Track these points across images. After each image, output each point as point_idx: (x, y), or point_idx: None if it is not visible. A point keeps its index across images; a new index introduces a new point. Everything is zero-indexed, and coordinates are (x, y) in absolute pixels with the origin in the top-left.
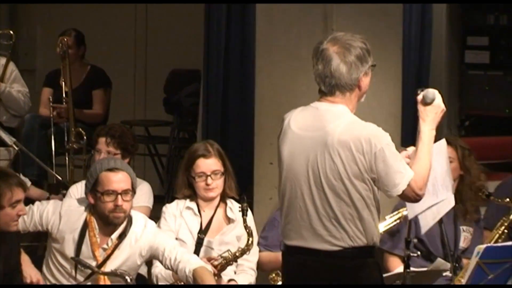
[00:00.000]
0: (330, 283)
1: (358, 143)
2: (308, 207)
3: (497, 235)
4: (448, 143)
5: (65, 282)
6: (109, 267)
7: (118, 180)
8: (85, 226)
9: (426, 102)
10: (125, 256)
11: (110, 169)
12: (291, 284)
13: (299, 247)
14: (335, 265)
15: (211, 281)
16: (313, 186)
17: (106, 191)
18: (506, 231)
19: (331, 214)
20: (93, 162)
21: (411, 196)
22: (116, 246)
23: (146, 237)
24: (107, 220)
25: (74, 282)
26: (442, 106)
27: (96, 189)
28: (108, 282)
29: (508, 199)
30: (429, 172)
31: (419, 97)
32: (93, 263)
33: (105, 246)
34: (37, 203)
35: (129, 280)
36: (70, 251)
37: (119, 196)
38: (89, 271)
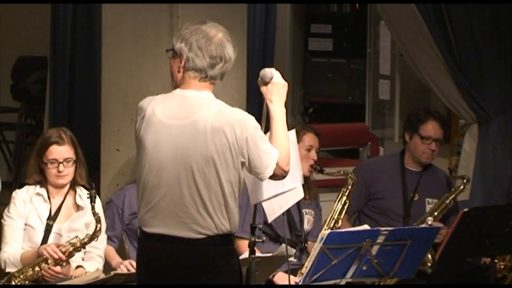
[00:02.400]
0: (190, 271)
1: (231, 128)
2: (173, 195)
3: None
4: (312, 131)
5: None
6: None
7: None
8: None
9: (266, 82)
10: None
11: None
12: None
13: (160, 235)
14: (198, 253)
15: None
16: (182, 175)
17: None
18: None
19: (199, 202)
20: None
21: (279, 173)
22: None
23: None
24: None
25: None
26: (283, 81)
27: None
28: None
29: (341, 171)
30: (289, 145)
31: (259, 80)
32: None
33: None
34: None
35: None
36: None
37: None
38: None
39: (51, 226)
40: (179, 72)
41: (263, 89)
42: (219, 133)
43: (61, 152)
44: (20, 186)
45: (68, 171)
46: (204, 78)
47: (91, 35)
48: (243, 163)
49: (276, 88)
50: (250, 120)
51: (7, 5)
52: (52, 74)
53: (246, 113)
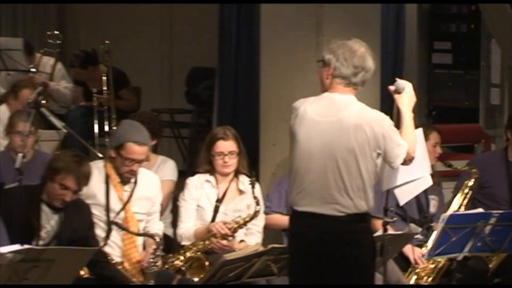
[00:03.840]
0: (332, 243)
1: (371, 126)
2: (320, 180)
3: (463, 196)
4: (436, 130)
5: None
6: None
7: (141, 153)
8: (107, 177)
9: (399, 92)
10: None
11: (138, 143)
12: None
13: (309, 212)
14: (339, 228)
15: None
16: (328, 164)
17: (130, 159)
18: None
19: (342, 186)
20: None
21: (407, 159)
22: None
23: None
24: (121, 176)
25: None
26: (413, 92)
27: (119, 151)
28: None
29: (467, 167)
30: (415, 138)
31: (392, 88)
32: (120, 204)
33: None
34: None
35: (157, 239)
36: (101, 200)
37: (136, 164)
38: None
39: (218, 207)
40: (327, 78)
41: (396, 96)
42: (360, 130)
43: (226, 146)
44: (193, 174)
45: (232, 162)
46: (348, 84)
47: (252, 50)
48: (378, 154)
49: (407, 96)
50: (386, 119)
51: (183, 25)
52: (219, 82)
53: (383, 113)
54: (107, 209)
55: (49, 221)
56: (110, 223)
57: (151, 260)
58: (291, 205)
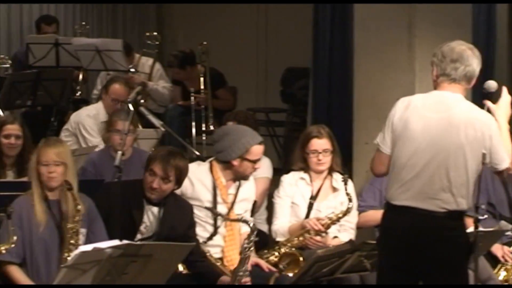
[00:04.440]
0: (428, 239)
1: (479, 125)
2: (424, 175)
3: None
4: None
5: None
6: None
7: (262, 150)
8: (214, 180)
9: (490, 92)
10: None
11: (260, 143)
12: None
13: (407, 207)
14: (436, 224)
15: None
16: (434, 159)
17: (256, 160)
18: None
19: (446, 182)
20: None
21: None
22: (236, 194)
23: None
24: (243, 178)
25: (208, 227)
26: (509, 101)
27: (244, 157)
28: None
29: None
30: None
31: (484, 88)
32: (224, 208)
33: (231, 191)
34: None
35: (251, 225)
36: (207, 202)
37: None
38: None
39: (312, 204)
40: (435, 79)
41: (492, 106)
42: (470, 127)
43: (321, 144)
44: (287, 171)
45: (326, 160)
46: (452, 81)
47: (345, 50)
48: (484, 155)
49: (503, 107)
50: (493, 120)
51: (278, 26)
52: (314, 82)
53: (489, 114)
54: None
55: (149, 217)
56: (215, 226)
57: (245, 245)
58: (388, 199)
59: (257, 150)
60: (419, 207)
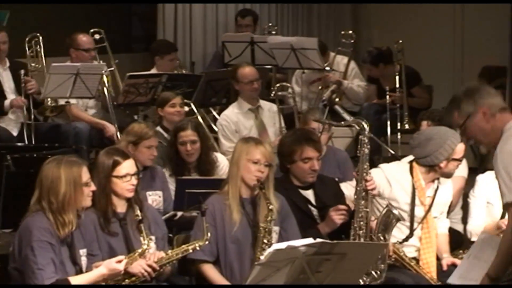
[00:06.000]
0: None
1: None
2: None
3: None
4: None
5: None
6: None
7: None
8: (413, 183)
9: None
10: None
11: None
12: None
13: None
14: None
15: None
16: None
17: (461, 158)
18: None
19: None
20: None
21: None
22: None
23: None
24: (447, 176)
25: (404, 229)
26: None
27: (452, 157)
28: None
29: None
30: None
31: None
32: (422, 210)
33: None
34: None
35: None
36: (404, 204)
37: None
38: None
39: None
40: None
41: None
42: None
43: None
44: (483, 171)
45: None
46: None
47: None
48: None
49: None
50: None
51: (475, 25)
52: (510, 81)
53: None
54: (412, 214)
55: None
56: (411, 229)
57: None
58: None
59: (461, 148)
60: None
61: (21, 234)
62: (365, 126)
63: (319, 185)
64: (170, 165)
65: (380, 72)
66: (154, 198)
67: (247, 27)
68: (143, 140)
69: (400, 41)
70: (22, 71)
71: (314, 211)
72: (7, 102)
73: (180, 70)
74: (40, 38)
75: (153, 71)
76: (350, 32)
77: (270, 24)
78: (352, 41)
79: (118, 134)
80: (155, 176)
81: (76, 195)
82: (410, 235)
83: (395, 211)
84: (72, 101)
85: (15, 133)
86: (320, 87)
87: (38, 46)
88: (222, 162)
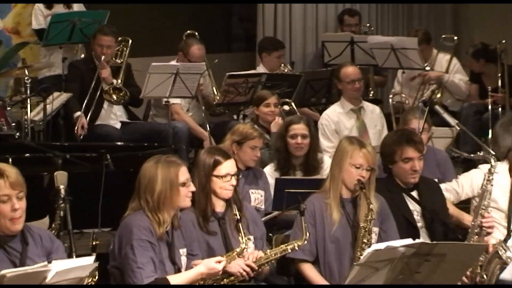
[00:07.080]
0: None
1: None
2: None
3: None
4: None
5: None
6: None
7: None
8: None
9: None
10: None
11: None
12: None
13: None
14: None
15: None
16: None
17: None
18: None
19: None
20: None
21: None
22: None
23: None
24: None
25: (501, 229)
26: None
27: None
28: None
29: None
30: None
31: None
32: None
33: None
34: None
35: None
36: (503, 205)
37: None
38: None
39: None
40: None
41: None
42: None
43: None
44: None
45: None
46: None
47: None
48: None
49: None
50: None
51: None
52: None
53: None
54: (509, 215)
55: (412, 204)
56: (509, 229)
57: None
58: None
59: None
60: None
61: (122, 233)
62: (493, 163)
63: (423, 187)
64: (277, 157)
65: (480, 68)
66: (256, 196)
67: (354, 26)
68: (248, 140)
69: (504, 41)
70: (103, 57)
71: (415, 214)
72: (77, 114)
73: (285, 68)
74: (130, 42)
75: (260, 68)
76: (451, 35)
77: (368, 25)
78: (452, 44)
79: (212, 140)
80: (258, 176)
81: (172, 194)
82: (508, 236)
83: (504, 254)
84: (177, 100)
85: (115, 133)
86: (421, 84)
87: (126, 48)
88: (327, 163)
